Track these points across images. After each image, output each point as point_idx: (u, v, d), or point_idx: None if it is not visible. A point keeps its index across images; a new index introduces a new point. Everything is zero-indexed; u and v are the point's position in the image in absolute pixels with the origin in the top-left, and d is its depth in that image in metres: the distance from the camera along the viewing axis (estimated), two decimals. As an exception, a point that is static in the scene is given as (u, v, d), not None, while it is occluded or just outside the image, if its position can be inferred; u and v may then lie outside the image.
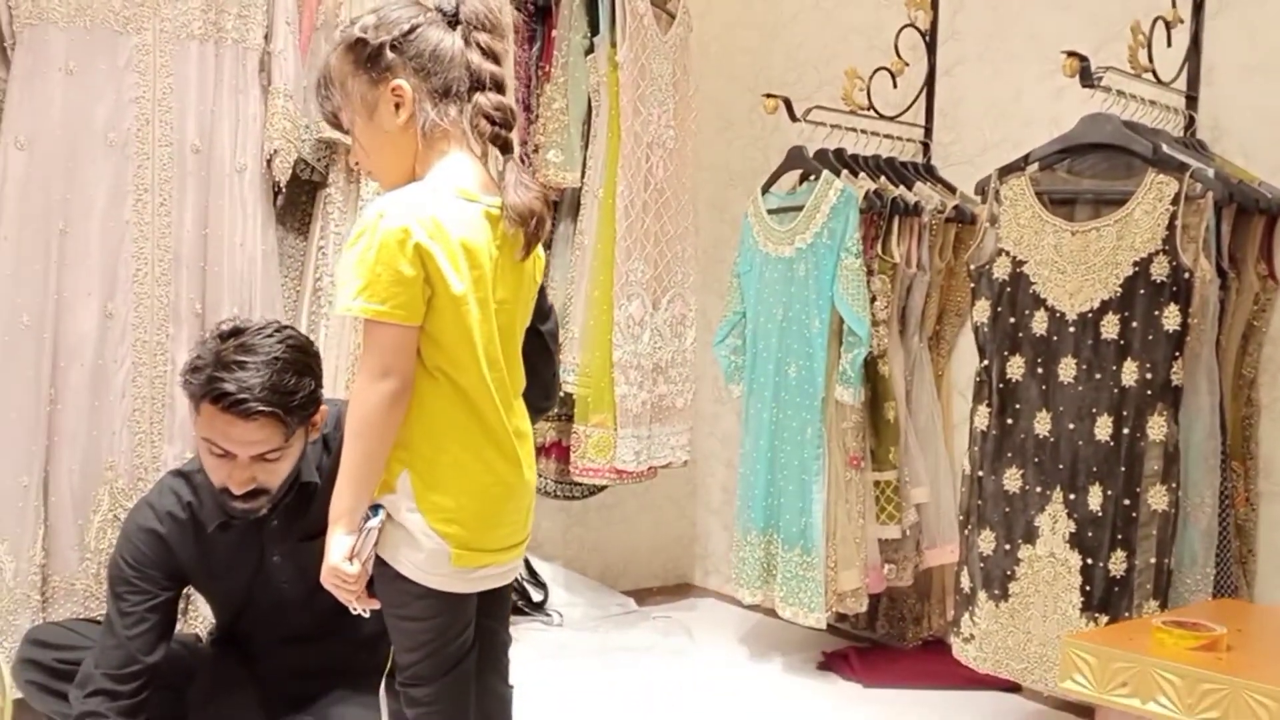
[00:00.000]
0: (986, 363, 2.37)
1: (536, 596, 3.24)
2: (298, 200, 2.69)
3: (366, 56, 1.48)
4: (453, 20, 1.49)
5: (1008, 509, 2.33)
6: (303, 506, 1.89)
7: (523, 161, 2.94)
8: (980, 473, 2.38)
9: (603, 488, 3.23)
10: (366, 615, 1.49)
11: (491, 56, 1.48)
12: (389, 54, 1.47)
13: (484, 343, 1.46)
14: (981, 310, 2.37)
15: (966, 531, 2.43)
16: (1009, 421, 2.33)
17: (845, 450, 2.78)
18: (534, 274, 1.59)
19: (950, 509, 2.84)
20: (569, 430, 3.04)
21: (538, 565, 3.31)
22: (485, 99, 1.47)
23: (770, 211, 2.89)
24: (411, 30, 1.47)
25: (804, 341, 2.78)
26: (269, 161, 2.43)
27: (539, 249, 1.58)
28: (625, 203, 2.90)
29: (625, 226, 2.91)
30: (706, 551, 3.72)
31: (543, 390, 1.72)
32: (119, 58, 2.28)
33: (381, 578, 1.47)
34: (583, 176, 2.94)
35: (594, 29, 2.91)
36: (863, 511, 2.78)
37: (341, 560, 1.42)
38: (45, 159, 2.22)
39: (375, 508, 1.45)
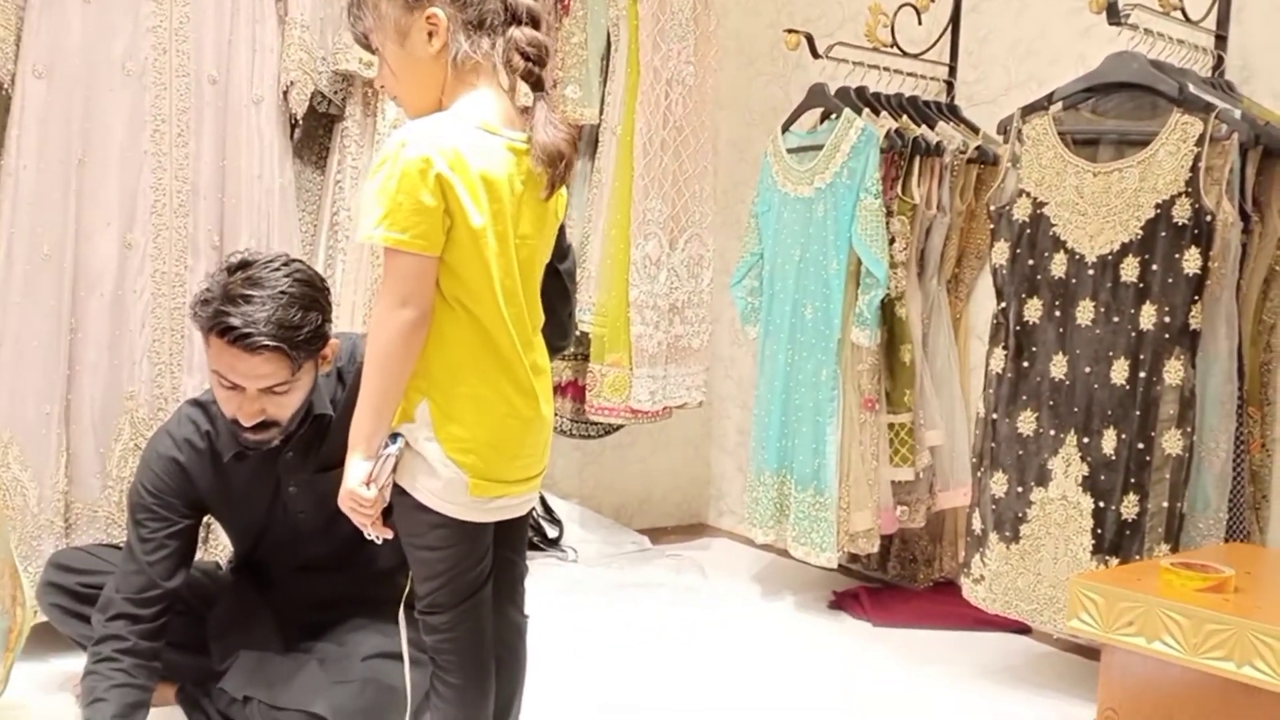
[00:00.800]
0: (1004, 305, 2.36)
1: (552, 533, 3.28)
2: (314, 133, 2.68)
3: None
4: None
5: (1021, 452, 2.33)
6: (317, 438, 1.91)
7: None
8: (994, 415, 2.38)
9: (618, 427, 3.25)
10: (379, 542, 1.51)
11: None
12: None
13: (502, 276, 1.46)
14: (1000, 252, 2.35)
15: (979, 474, 2.43)
16: (1025, 364, 2.33)
17: (860, 392, 2.77)
18: (556, 211, 1.58)
19: (964, 452, 2.85)
20: (585, 369, 3.06)
21: (553, 502, 3.34)
22: (520, 33, 1.45)
23: (790, 151, 2.86)
24: None
25: (821, 283, 2.77)
26: (285, 93, 2.42)
27: (563, 188, 1.58)
28: (644, 140, 2.88)
29: (643, 165, 2.89)
30: (721, 492, 3.74)
31: (560, 329, 1.73)
32: (136, -14, 2.26)
33: (400, 506, 1.48)
34: (601, 113, 2.91)
35: (614, -38, 2.87)
36: (876, 453, 2.78)
37: (358, 485, 1.43)
38: (63, 88, 2.21)
39: (394, 436, 1.46)
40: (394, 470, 1.45)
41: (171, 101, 2.32)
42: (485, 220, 1.42)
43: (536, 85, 1.47)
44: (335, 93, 2.56)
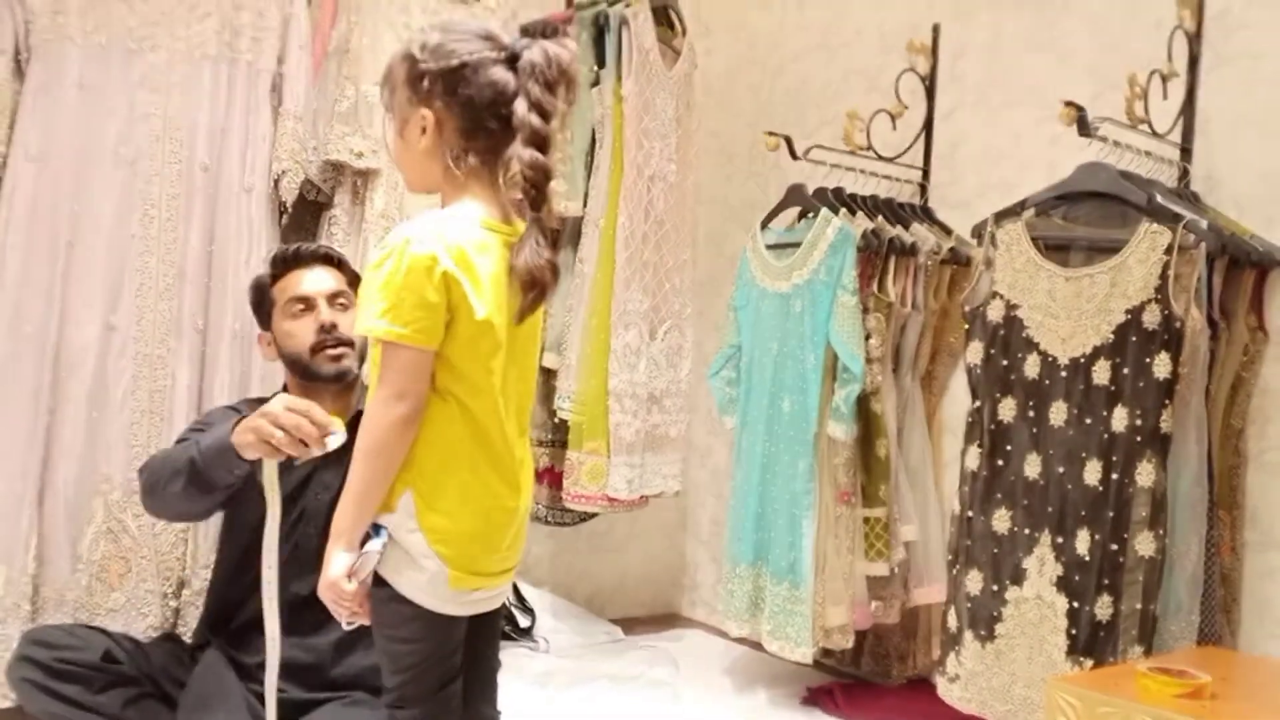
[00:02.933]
0: (979, 404, 2.40)
1: (524, 622, 3.24)
2: (303, 220, 2.72)
3: (413, 75, 1.50)
4: (511, 62, 1.48)
5: (996, 550, 2.34)
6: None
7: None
8: (970, 513, 2.40)
9: (594, 515, 3.24)
10: (352, 628, 1.51)
11: (539, 110, 1.46)
12: (427, 82, 1.48)
13: (500, 369, 1.48)
14: (975, 352, 2.40)
15: (955, 571, 2.44)
16: (999, 463, 2.35)
17: (836, 485, 2.79)
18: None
19: (939, 548, 2.86)
20: (563, 456, 3.06)
21: (526, 591, 3.31)
22: (524, 153, 1.44)
23: (768, 247, 2.92)
24: (460, 68, 1.46)
25: (798, 376, 2.81)
26: (276, 182, 2.45)
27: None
28: (625, 233, 2.93)
29: (625, 257, 2.94)
30: (695, 583, 3.73)
31: None
32: (133, 75, 2.31)
33: (377, 598, 1.48)
34: (585, 206, 2.97)
35: (600, 62, 2.94)
36: (851, 547, 2.79)
37: (340, 577, 1.43)
38: (55, 172, 2.24)
39: (377, 528, 1.47)
40: (375, 564, 1.46)
41: (163, 188, 2.35)
42: (488, 314, 1.44)
43: (534, 206, 1.48)
44: (324, 181, 2.60)
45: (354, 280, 2.15)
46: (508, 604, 3.26)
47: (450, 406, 1.46)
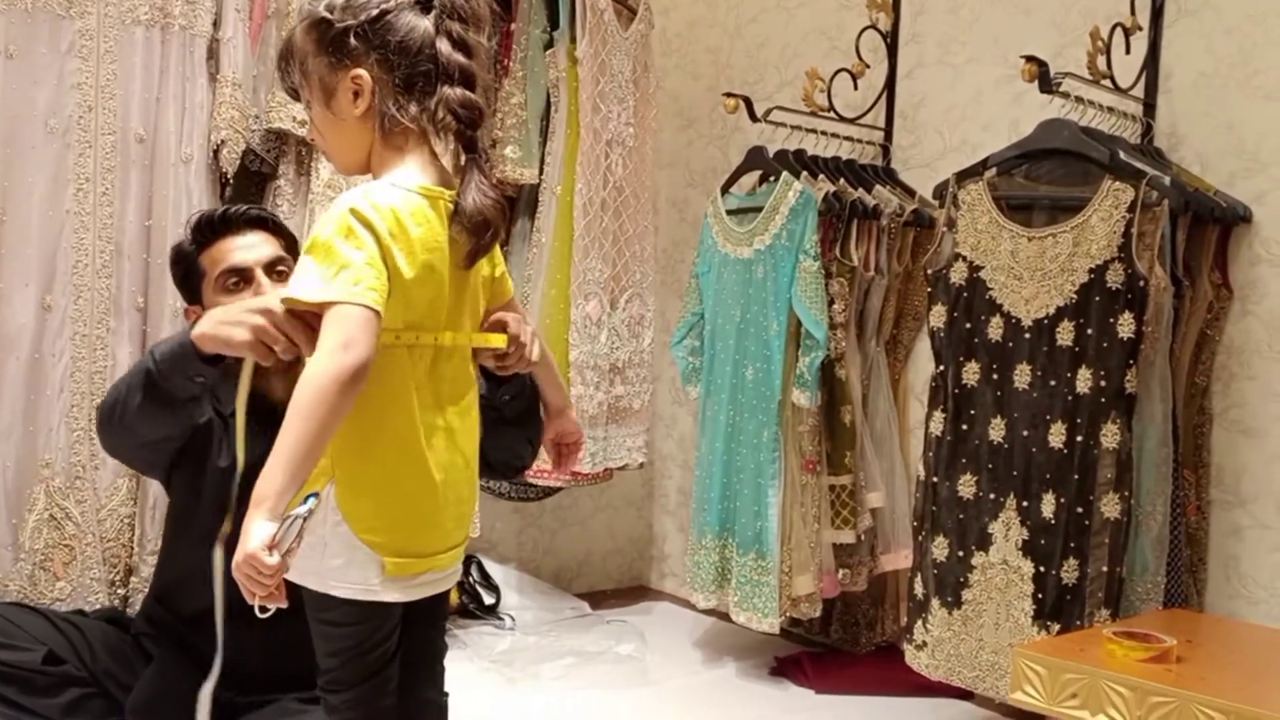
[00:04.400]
0: (942, 368, 2.36)
1: (488, 600, 3.20)
2: (247, 192, 2.63)
3: (330, 38, 1.41)
4: (425, 5, 1.41)
5: (961, 515, 2.31)
6: None
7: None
8: (934, 479, 2.37)
9: (558, 489, 3.19)
10: (267, 614, 1.39)
11: (463, 48, 1.41)
12: (352, 40, 1.40)
13: (432, 344, 1.43)
14: (938, 315, 2.36)
15: (920, 538, 2.41)
16: (963, 427, 2.32)
17: (801, 454, 2.75)
18: (491, 271, 1.55)
19: (905, 514, 2.84)
20: (524, 430, 3.00)
21: (490, 568, 3.26)
22: (453, 93, 1.39)
23: (729, 212, 2.86)
24: (380, 16, 1.39)
25: (761, 344, 2.76)
26: (216, 152, 2.37)
27: (496, 250, 1.54)
28: (584, 200, 2.87)
29: (583, 225, 2.87)
30: (662, 554, 3.69)
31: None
32: (61, 42, 2.21)
33: (305, 589, 1.41)
34: (541, 173, 2.89)
35: (554, 24, 2.86)
36: (818, 516, 2.76)
37: (260, 549, 1.25)
38: (-18, 145, 2.15)
39: (311, 495, 1.37)
40: (300, 535, 1.30)
41: (96, 160, 2.25)
42: (414, 276, 1.38)
43: (469, 147, 1.42)
44: (268, 151, 2.51)
45: (291, 245, 2.00)
46: (472, 581, 3.22)
47: (375, 381, 1.38)
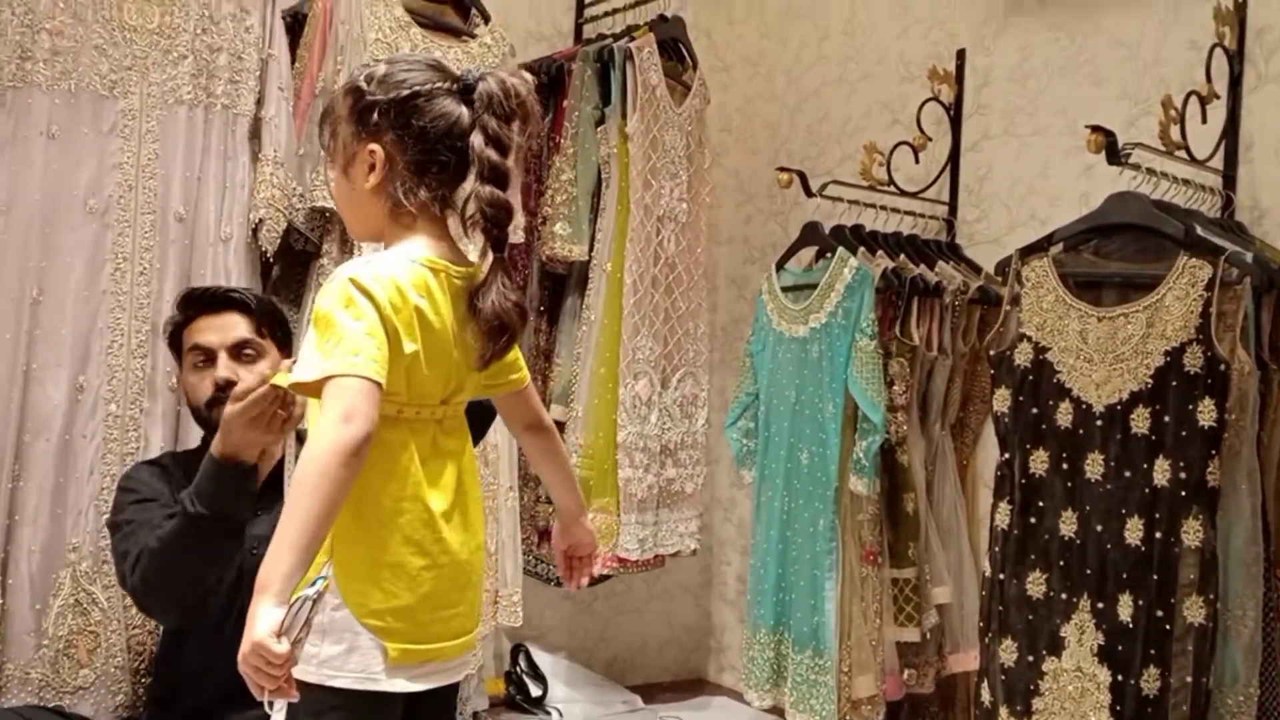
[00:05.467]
0: (1008, 456, 2.20)
1: (535, 691, 3.06)
2: (293, 271, 2.60)
3: (359, 108, 1.40)
4: (465, 95, 1.39)
5: (1030, 616, 2.14)
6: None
7: (530, 238, 2.84)
8: (1001, 575, 2.20)
9: (608, 576, 3.07)
10: (279, 712, 1.31)
11: (497, 145, 1.37)
12: (376, 115, 1.39)
13: (430, 418, 1.39)
14: (1002, 399, 2.21)
15: (986, 640, 2.24)
16: (1032, 520, 2.15)
17: (861, 544, 2.60)
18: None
19: (975, 611, 2.65)
20: (572, 514, 2.89)
21: (538, 657, 3.14)
22: (483, 190, 1.36)
23: (785, 289, 2.76)
24: (411, 97, 1.38)
25: (817, 426, 2.62)
26: (254, 231, 2.34)
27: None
28: (634, 277, 2.79)
29: (633, 302, 2.79)
30: (721, 645, 3.53)
31: None
32: (103, 122, 2.21)
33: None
34: (591, 250, 2.83)
35: (606, 100, 2.82)
36: (879, 611, 2.59)
37: (268, 636, 1.18)
38: (22, 225, 2.14)
39: (319, 578, 1.29)
40: (309, 620, 1.22)
41: (135, 239, 2.24)
42: (417, 349, 1.33)
43: (496, 246, 1.39)
44: (312, 230, 2.48)
45: (270, 323, 2.03)
46: (518, 671, 3.10)
47: (375, 456, 1.32)
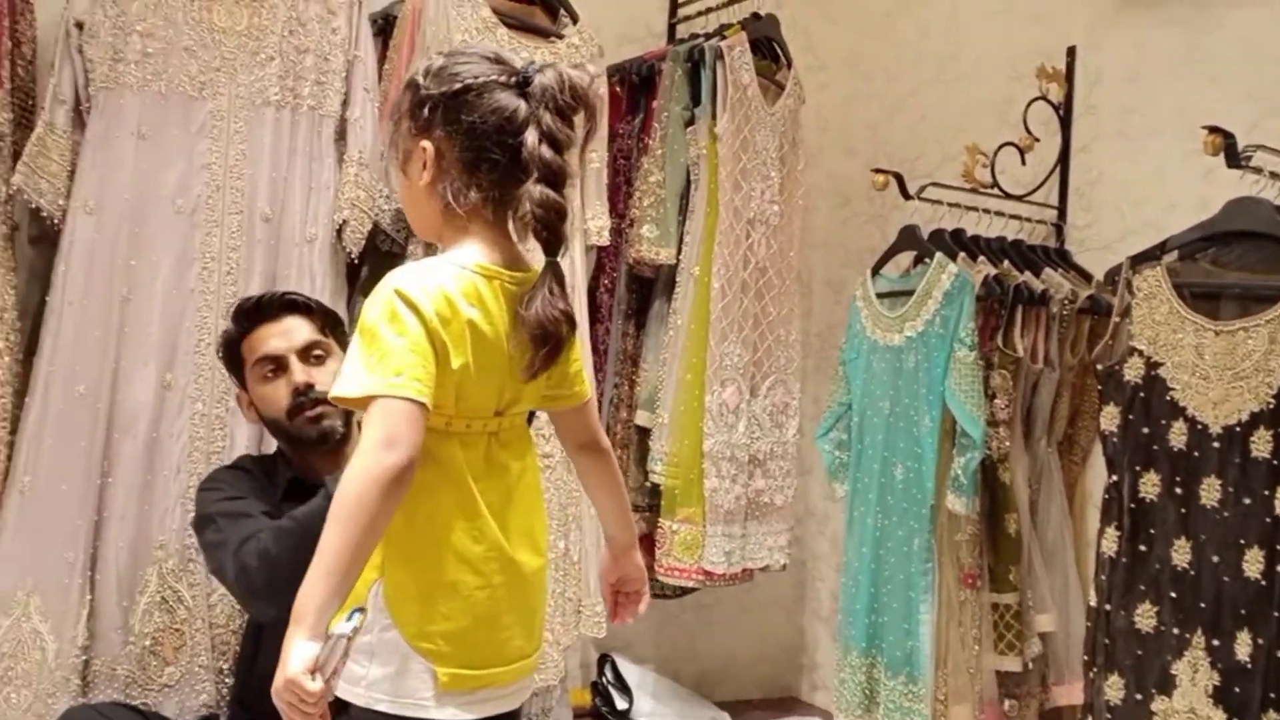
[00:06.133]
0: (1116, 478, 2.06)
1: (621, 704, 3.01)
2: (379, 272, 2.57)
3: (415, 102, 1.35)
4: (522, 89, 1.32)
5: (1139, 651, 1.99)
6: None
7: (618, 240, 2.79)
8: (1107, 606, 2.06)
9: (692, 589, 2.99)
10: None
11: (552, 142, 1.30)
12: (428, 110, 1.33)
13: (482, 431, 1.33)
14: (1110, 417, 2.07)
15: (1091, 674, 2.10)
16: (1142, 548, 2.01)
17: (959, 566, 2.47)
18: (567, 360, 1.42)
19: (1081, 641, 2.49)
20: (656, 522, 2.83)
21: (624, 669, 3.08)
22: (534, 189, 1.29)
23: (880, 295, 2.64)
24: (463, 90, 1.31)
25: (912, 440, 2.51)
26: (339, 232, 2.33)
27: (574, 341, 1.42)
28: (722, 282, 2.71)
29: (721, 307, 2.71)
30: (814, 663, 3.42)
31: None
32: (192, 123, 2.23)
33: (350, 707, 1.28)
34: (679, 253, 2.76)
35: (695, 100, 2.74)
36: (978, 638, 2.46)
37: (302, 673, 1.14)
38: (112, 224, 2.17)
39: (356, 609, 1.26)
40: (346, 654, 1.19)
41: (222, 239, 2.25)
42: (466, 361, 1.27)
43: (548, 249, 1.31)
44: (398, 231, 2.47)
45: (330, 323, 2.00)
46: (605, 682, 3.04)
47: (427, 472, 1.27)
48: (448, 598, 1.28)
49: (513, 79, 1.32)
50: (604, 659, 3.09)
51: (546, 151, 1.29)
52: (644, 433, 2.82)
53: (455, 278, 1.28)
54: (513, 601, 1.34)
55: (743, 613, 3.39)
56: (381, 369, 1.22)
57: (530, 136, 1.30)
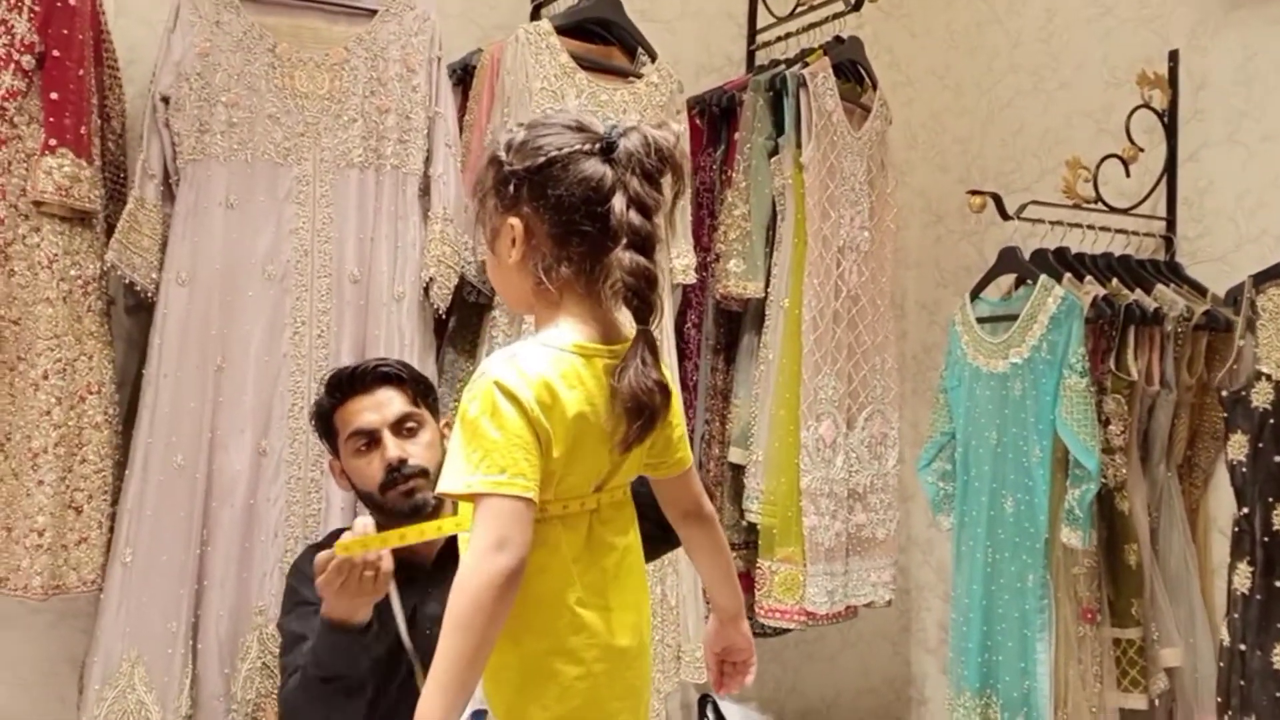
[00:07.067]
0: (1246, 510, 1.95)
1: (724, 743, 2.95)
2: (469, 322, 2.58)
3: (498, 179, 1.32)
4: (607, 154, 1.28)
5: (1278, 694, 1.87)
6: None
7: (704, 275, 2.73)
8: (1242, 646, 1.95)
9: (790, 629, 2.92)
10: None
11: (640, 207, 1.26)
12: (513, 186, 1.29)
13: (582, 510, 1.30)
14: (1238, 446, 1.96)
15: (1226, 717, 1.98)
16: (1277, 584, 1.89)
17: (1076, 601, 2.37)
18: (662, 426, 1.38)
19: (1211, 674, 2.36)
20: (754, 560, 2.76)
21: (726, 709, 3.01)
22: (623, 257, 1.25)
23: (980, 320, 2.55)
24: (548, 165, 1.27)
25: (1022, 471, 2.41)
26: (426, 289, 2.32)
27: (674, 401, 1.37)
28: (813, 313, 2.63)
29: (813, 339, 2.64)
30: (923, 697, 3.32)
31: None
32: (279, 190, 2.24)
33: None
34: (767, 286, 2.69)
35: (778, 129, 2.68)
36: (1100, 675, 2.35)
37: None
38: (204, 294, 2.19)
39: (477, 713, 1.24)
40: None
41: (312, 303, 2.25)
42: (567, 448, 1.24)
43: (640, 317, 1.27)
44: (484, 283, 2.45)
45: (422, 392, 1.97)
46: (708, 724, 2.98)
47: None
48: (546, 689, 1.25)
49: (597, 145, 1.28)
50: (704, 700, 3.03)
51: (635, 217, 1.26)
52: (737, 469, 2.76)
53: (554, 361, 1.25)
54: (615, 687, 1.30)
55: (846, 646, 3.30)
56: (485, 466, 1.19)
57: (618, 203, 1.26)
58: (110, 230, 2.20)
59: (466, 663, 1.15)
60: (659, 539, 1.62)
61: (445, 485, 1.22)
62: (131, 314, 2.38)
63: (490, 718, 1.25)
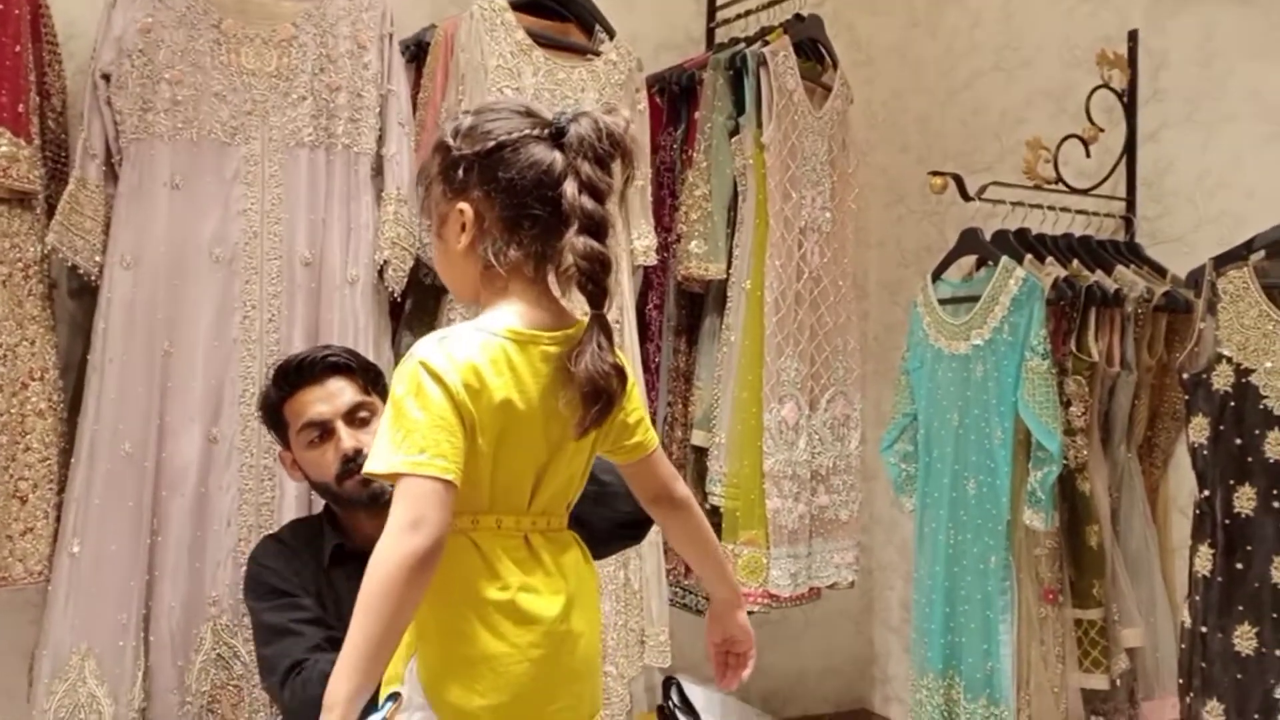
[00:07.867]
0: (1208, 493, 1.95)
1: (688, 727, 2.94)
2: (426, 304, 2.53)
3: (446, 165, 1.30)
4: (557, 139, 1.27)
5: (1240, 675, 1.89)
6: None
7: (665, 256, 2.70)
8: (1203, 628, 1.95)
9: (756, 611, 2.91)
10: None
11: (592, 191, 1.25)
12: (462, 171, 1.28)
13: (513, 496, 1.28)
14: (1199, 428, 1.95)
15: (1188, 699, 1.99)
16: (1239, 566, 1.90)
17: (1038, 582, 2.37)
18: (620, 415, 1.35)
19: (1171, 652, 2.38)
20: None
21: (690, 690, 3.00)
22: (576, 241, 1.24)
23: (942, 301, 2.54)
24: (497, 149, 1.26)
25: (984, 453, 2.40)
26: (380, 271, 2.27)
27: (632, 391, 1.35)
28: (775, 295, 2.61)
29: (775, 320, 2.61)
30: (886, 675, 3.33)
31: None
32: (226, 170, 2.18)
33: None
34: (729, 267, 2.66)
35: (739, 109, 2.65)
36: (1062, 655, 2.35)
37: None
38: (150, 277, 2.12)
39: (390, 696, 1.21)
40: None
41: (262, 286, 2.20)
42: (497, 432, 1.23)
43: (594, 302, 1.26)
44: (439, 264, 2.40)
45: (371, 380, 1.91)
46: (670, 705, 2.97)
47: (457, 541, 1.23)
48: (484, 673, 1.23)
49: (546, 131, 1.27)
50: (669, 682, 3.02)
51: (588, 202, 1.24)
52: (700, 452, 2.74)
53: (484, 346, 1.22)
54: (558, 672, 1.28)
55: (810, 626, 3.30)
56: (407, 446, 1.17)
57: (569, 187, 1.24)
58: (51, 211, 2.13)
59: (376, 643, 1.13)
60: (625, 536, 1.60)
61: (370, 466, 1.20)
62: (75, 297, 2.31)
63: (396, 707, 1.21)
